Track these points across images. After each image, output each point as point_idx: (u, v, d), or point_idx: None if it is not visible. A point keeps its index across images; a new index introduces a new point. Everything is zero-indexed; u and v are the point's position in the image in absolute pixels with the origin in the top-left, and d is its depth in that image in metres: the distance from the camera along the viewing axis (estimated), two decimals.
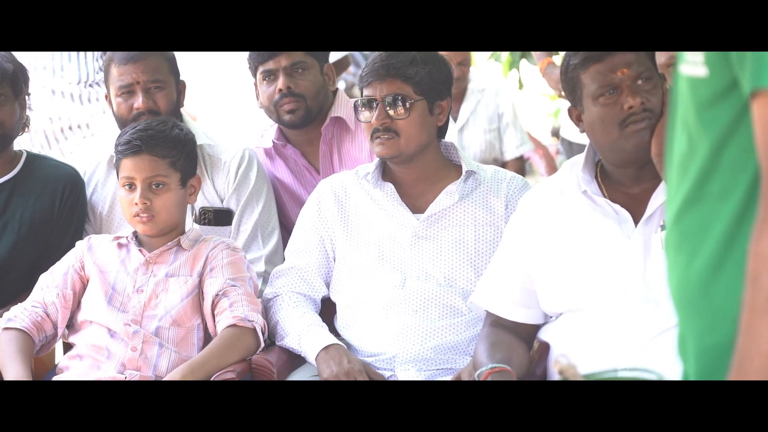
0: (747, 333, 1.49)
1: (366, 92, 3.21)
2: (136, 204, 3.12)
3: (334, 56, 4.58)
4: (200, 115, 4.83)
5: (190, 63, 4.64)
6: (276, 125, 3.70)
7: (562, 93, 2.99)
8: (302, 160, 3.71)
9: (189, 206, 3.33)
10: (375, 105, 3.18)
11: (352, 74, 7.22)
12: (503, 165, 5.80)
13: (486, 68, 8.29)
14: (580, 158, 2.92)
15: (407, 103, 3.18)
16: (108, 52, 3.57)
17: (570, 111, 2.91)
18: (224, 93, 5.06)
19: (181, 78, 3.58)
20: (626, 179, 2.85)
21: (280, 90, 3.55)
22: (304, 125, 3.62)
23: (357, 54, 7.23)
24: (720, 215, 1.58)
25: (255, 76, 3.64)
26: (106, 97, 3.56)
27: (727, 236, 1.58)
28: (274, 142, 3.71)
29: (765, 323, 1.47)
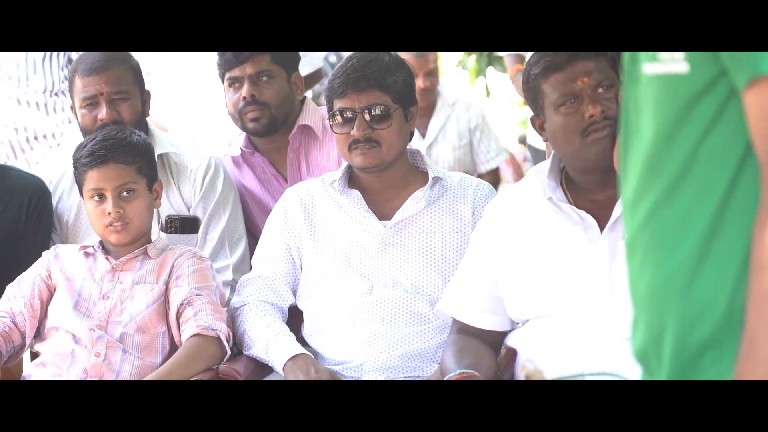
0: (755, 322, 1.47)
1: (340, 104, 3.18)
2: (109, 214, 3.11)
3: (307, 70, 4.56)
4: (171, 124, 4.79)
5: (161, 70, 4.62)
6: (245, 133, 3.70)
7: None
8: (270, 168, 3.71)
9: (155, 215, 3.32)
10: (353, 116, 3.18)
11: (320, 83, 7.20)
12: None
13: (456, 79, 8.22)
14: (546, 165, 2.93)
15: (389, 113, 3.18)
16: (72, 63, 3.56)
17: (533, 120, 2.92)
18: (196, 101, 5.03)
19: (146, 88, 3.57)
20: (591, 185, 2.86)
21: (244, 98, 3.54)
22: (269, 133, 3.62)
23: (328, 67, 7.20)
24: (699, 210, 1.56)
25: (223, 82, 3.64)
26: (72, 108, 3.55)
27: (709, 230, 1.55)
28: (242, 150, 3.70)
29: None
